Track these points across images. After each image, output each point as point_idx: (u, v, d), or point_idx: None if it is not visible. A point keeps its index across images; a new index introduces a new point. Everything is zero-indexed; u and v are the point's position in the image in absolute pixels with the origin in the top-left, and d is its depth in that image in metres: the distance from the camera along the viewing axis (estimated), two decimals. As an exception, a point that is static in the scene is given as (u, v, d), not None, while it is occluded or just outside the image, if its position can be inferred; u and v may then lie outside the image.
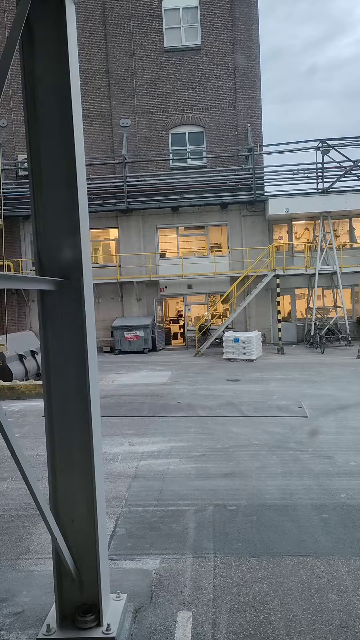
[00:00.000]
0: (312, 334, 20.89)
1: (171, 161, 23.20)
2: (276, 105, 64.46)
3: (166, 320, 24.88)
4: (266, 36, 64.68)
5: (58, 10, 3.09)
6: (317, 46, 72.86)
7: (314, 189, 21.78)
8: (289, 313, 23.00)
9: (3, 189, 20.99)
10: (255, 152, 21.75)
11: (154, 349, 21.42)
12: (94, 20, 22.89)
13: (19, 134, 23.04)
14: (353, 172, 21.31)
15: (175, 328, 25.13)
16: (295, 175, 21.76)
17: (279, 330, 20.14)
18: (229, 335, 18.60)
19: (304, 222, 23.30)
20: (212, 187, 21.98)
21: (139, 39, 22.86)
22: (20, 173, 23.19)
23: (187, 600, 4.16)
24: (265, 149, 22.66)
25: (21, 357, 14.87)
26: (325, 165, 21.47)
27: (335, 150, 21.25)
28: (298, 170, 21.63)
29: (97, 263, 23.79)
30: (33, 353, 15.55)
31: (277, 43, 66.62)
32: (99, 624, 3.44)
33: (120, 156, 22.58)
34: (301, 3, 70.28)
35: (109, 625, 3.43)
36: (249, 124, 22.54)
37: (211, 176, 22.17)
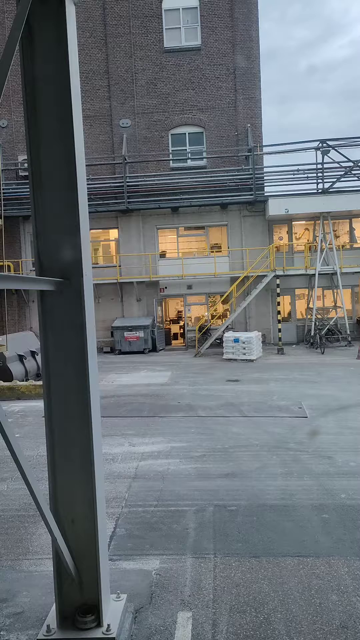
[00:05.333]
0: (312, 334, 20.89)
1: (171, 161, 23.20)
2: (272, 106, 64.56)
3: (166, 321, 24.88)
4: (261, 38, 64.57)
5: (58, 10, 3.09)
6: (312, 48, 72.94)
7: (314, 189, 21.79)
8: (289, 313, 23.01)
9: (3, 189, 21.00)
10: (255, 153, 21.75)
11: (154, 349, 21.41)
12: (94, 21, 22.89)
13: (19, 134, 23.05)
14: (353, 172, 21.32)
15: (175, 328, 25.13)
16: (295, 176, 21.77)
17: (279, 330, 20.14)
18: (229, 335, 18.60)
19: (304, 222, 23.31)
20: (212, 188, 21.99)
21: (139, 39, 22.87)
22: (20, 173, 23.19)
23: (187, 600, 4.15)
24: (265, 149, 22.67)
25: (21, 358, 14.86)
26: (325, 165, 21.49)
27: (335, 150, 21.26)
28: (298, 170, 21.64)
29: (97, 263, 23.79)
30: (33, 353, 15.54)
31: (271, 45, 66.68)
32: (99, 624, 3.44)
33: (120, 156, 22.58)
34: (294, 5, 70.32)
35: (109, 625, 3.43)
36: (249, 125, 22.55)
37: (211, 176, 22.18)
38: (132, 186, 22.23)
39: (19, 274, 21.91)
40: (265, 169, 22.40)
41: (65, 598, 3.50)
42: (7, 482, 6.91)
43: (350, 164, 21.14)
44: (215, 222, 22.96)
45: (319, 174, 21.64)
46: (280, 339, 19.97)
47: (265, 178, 22.25)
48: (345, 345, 20.56)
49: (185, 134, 23.23)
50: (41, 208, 3.27)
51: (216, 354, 19.21)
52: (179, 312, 25.49)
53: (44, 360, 3.37)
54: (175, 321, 25.65)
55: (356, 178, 21.54)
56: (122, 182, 22.10)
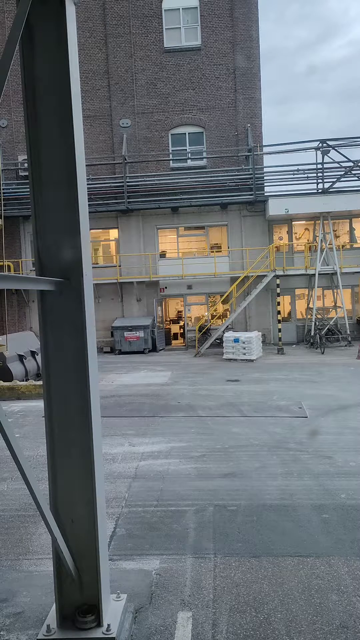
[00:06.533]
0: (312, 334, 20.89)
1: (171, 161, 23.20)
2: (272, 106, 64.56)
3: (166, 321, 24.88)
4: (260, 38, 64.33)
5: (58, 10, 3.09)
6: (311, 48, 72.89)
7: (314, 189, 21.79)
8: (289, 313, 23.00)
9: (3, 189, 21.00)
10: (255, 153, 21.75)
11: (154, 349, 21.41)
12: (94, 20, 22.89)
13: (19, 134, 23.05)
14: (353, 172, 21.32)
15: (175, 328, 25.13)
16: (295, 176, 21.77)
17: (279, 330, 20.14)
18: (229, 335, 18.59)
19: (304, 222, 23.30)
20: (212, 188, 21.98)
21: (139, 39, 22.87)
22: (20, 173, 23.19)
23: (187, 600, 4.15)
24: (265, 149, 22.67)
25: (21, 358, 14.86)
26: (325, 165, 21.48)
27: (335, 150, 21.26)
28: (298, 170, 21.64)
29: (97, 263, 23.79)
30: (33, 353, 15.55)
31: (269, 45, 66.64)
32: (99, 624, 3.44)
33: (120, 156, 22.58)
34: (293, 5, 70.29)
35: (109, 625, 3.43)
36: (249, 125, 22.55)
37: (211, 176, 22.18)
38: (132, 186, 22.22)
39: (19, 274, 21.91)
40: (265, 169, 22.39)
41: (65, 598, 3.50)
42: (7, 482, 6.91)
43: (350, 164, 21.14)
44: (215, 222, 22.96)
45: (319, 174, 21.63)
46: (280, 339, 19.97)
47: (265, 178, 22.25)
48: (345, 345, 20.55)
49: (185, 134, 23.23)
50: (41, 208, 3.27)
51: (216, 354, 19.21)
52: (179, 312, 25.49)
53: (44, 360, 3.37)
54: (175, 321, 25.65)
55: (356, 178, 21.54)
56: (122, 182, 22.10)
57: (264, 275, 20.29)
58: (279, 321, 20.22)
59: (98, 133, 23.04)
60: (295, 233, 23.72)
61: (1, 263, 21.04)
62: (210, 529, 5.34)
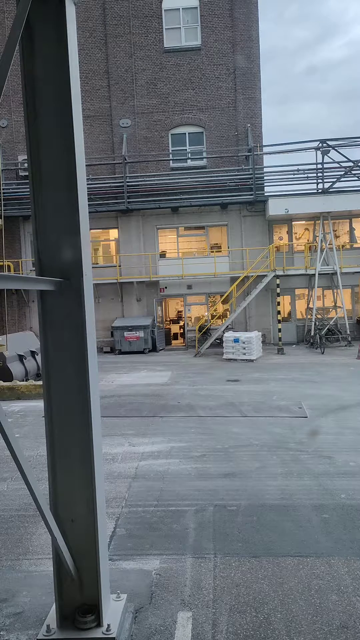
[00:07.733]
0: (312, 334, 20.89)
1: (171, 161, 23.20)
2: (272, 106, 64.62)
3: (166, 321, 24.88)
4: (260, 38, 64.22)
5: (58, 10, 3.09)
6: (310, 48, 73.01)
7: (314, 189, 21.79)
8: (289, 313, 23.01)
9: (3, 189, 20.99)
10: (255, 153, 21.76)
11: (154, 349, 21.42)
12: (94, 20, 22.89)
13: (19, 134, 23.05)
14: (353, 172, 21.32)
15: (175, 328, 25.13)
16: (295, 176, 21.78)
17: (279, 330, 20.14)
18: (229, 335, 18.59)
19: (304, 222, 23.31)
20: (212, 188, 21.99)
21: (139, 39, 22.87)
22: (20, 173, 23.19)
23: (187, 600, 4.15)
24: (265, 149, 22.67)
25: (21, 358, 14.86)
26: (325, 165, 21.49)
27: (335, 150, 21.26)
28: (298, 170, 21.64)
29: (97, 263, 23.80)
30: (33, 353, 15.54)
31: (269, 45, 66.68)
32: (99, 624, 3.44)
33: (120, 156, 22.59)
34: (292, 5, 70.37)
35: (109, 625, 3.43)
36: (249, 124, 22.55)
37: (211, 176, 22.18)
38: (132, 186, 22.23)
39: (19, 274, 21.91)
40: (265, 169, 22.40)
41: (65, 598, 3.50)
42: (7, 482, 6.91)
43: (350, 164, 21.14)
44: (215, 222, 22.96)
45: (319, 174, 21.64)
46: (280, 339, 19.97)
47: (265, 178, 22.25)
48: (345, 345, 20.56)
49: (185, 134, 23.23)
50: (41, 208, 3.27)
51: (216, 354, 19.21)
52: (179, 312, 25.49)
53: (44, 360, 3.37)
54: (175, 321, 25.65)
55: (356, 178, 21.54)
56: (122, 182, 22.10)
57: (264, 275, 20.29)
58: (279, 321, 20.22)
59: (98, 133, 23.05)
60: (295, 233, 23.72)
61: (1, 263, 21.04)
62: (210, 529, 5.34)
